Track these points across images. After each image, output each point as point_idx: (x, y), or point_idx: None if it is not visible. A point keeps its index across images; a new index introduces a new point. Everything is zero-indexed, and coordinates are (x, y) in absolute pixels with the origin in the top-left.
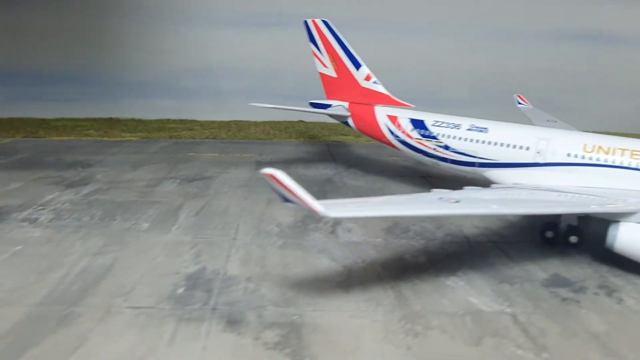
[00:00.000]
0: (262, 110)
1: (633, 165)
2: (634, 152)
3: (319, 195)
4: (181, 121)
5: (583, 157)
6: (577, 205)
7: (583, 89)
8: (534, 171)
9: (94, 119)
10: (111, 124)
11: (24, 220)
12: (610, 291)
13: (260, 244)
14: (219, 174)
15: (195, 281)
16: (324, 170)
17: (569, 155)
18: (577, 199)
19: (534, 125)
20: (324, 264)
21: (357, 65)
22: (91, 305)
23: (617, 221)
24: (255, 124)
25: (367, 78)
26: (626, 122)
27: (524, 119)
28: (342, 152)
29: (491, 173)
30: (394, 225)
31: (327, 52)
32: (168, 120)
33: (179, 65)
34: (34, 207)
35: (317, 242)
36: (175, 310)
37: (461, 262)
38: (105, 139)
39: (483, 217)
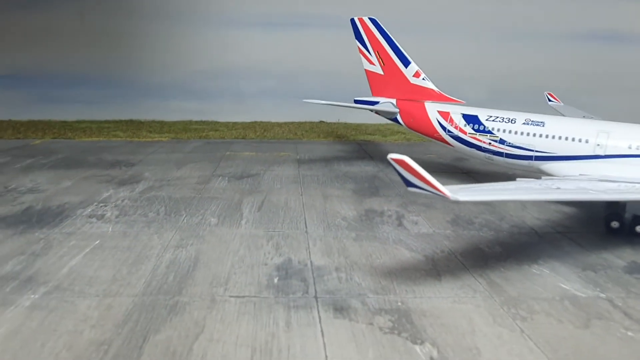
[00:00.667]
0: (283, 111)
1: None
2: None
3: (372, 190)
4: (204, 122)
5: None
6: None
7: (601, 88)
8: (594, 163)
9: (116, 121)
10: (135, 126)
11: (90, 216)
12: None
13: (335, 236)
14: (264, 171)
15: (286, 271)
16: (366, 167)
17: (630, 147)
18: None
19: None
20: (405, 254)
21: (406, 63)
22: (195, 295)
23: None
24: (279, 124)
25: (417, 75)
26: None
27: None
28: (376, 150)
29: (549, 166)
30: (457, 218)
31: (374, 49)
32: (190, 121)
33: (199, 67)
34: (95, 203)
35: (389, 234)
36: (279, 299)
37: (537, 251)
38: (136, 139)
39: (547, 208)
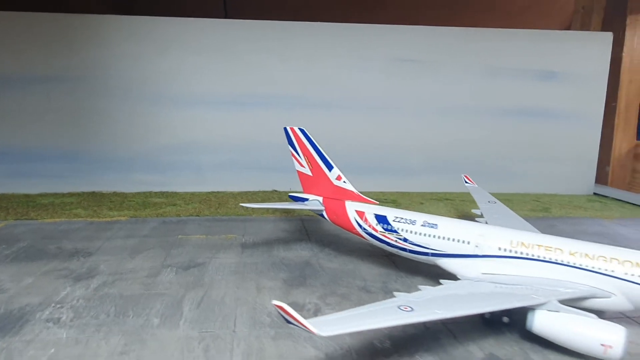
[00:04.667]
0: (238, 181)
1: (545, 258)
2: (547, 247)
3: (301, 280)
4: (163, 194)
5: (510, 251)
6: (502, 302)
7: (524, 156)
8: (474, 261)
9: (79, 194)
10: (97, 200)
11: (47, 320)
12: None
13: (257, 335)
14: (210, 260)
15: None
16: (302, 252)
17: (499, 249)
18: (504, 293)
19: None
20: (311, 353)
21: (330, 167)
22: None
23: (533, 309)
24: (233, 195)
25: (338, 178)
26: (561, 184)
27: (469, 196)
28: (315, 229)
29: (441, 261)
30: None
31: (304, 154)
32: (150, 193)
33: (161, 143)
34: (53, 305)
35: (299, 331)
36: None
37: (418, 344)
38: (95, 219)
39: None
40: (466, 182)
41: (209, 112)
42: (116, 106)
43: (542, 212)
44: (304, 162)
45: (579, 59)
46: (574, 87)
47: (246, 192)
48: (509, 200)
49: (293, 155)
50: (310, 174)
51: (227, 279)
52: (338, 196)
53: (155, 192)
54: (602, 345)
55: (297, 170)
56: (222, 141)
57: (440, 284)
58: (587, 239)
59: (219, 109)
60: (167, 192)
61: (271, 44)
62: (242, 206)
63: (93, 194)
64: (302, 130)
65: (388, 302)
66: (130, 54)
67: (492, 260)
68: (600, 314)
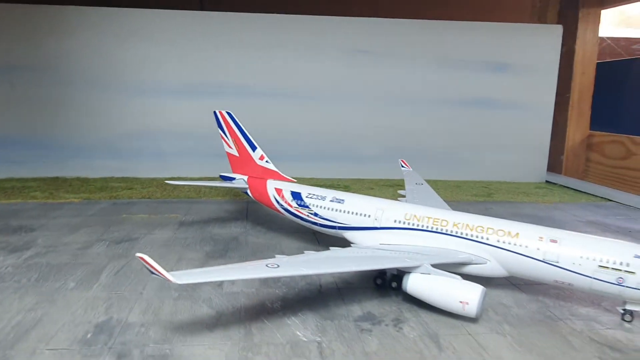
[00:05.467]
0: (197, 166)
1: (433, 229)
2: (435, 219)
3: (222, 252)
4: (124, 179)
5: (404, 223)
6: (375, 264)
7: (478, 145)
8: (373, 233)
9: (42, 179)
10: (57, 184)
11: None
12: (398, 322)
13: (161, 297)
14: (145, 235)
15: (101, 328)
16: (234, 229)
17: (395, 221)
18: (382, 257)
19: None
20: (203, 310)
21: (253, 148)
22: (21, 349)
23: (409, 272)
24: (192, 179)
25: (261, 158)
26: (514, 172)
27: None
28: (255, 210)
29: (347, 234)
30: (270, 278)
31: (231, 136)
32: (112, 178)
33: (123, 130)
34: None
35: (204, 293)
36: (82, 350)
37: (306, 305)
38: (50, 201)
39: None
40: (402, 167)
41: (169, 100)
42: (80, 94)
43: (485, 196)
44: (231, 144)
45: (530, 51)
46: (525, 78)
47: (204, 178)
48: (459, 186)
49: (222, 137)
50: (237, 154)
51: (154, 252)
52: (261, 175)
53: (117, 178)
54: (460, 302)
55: (226, 152)
56: (182, 129)
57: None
58: (514, 220)
59: (179, 97)
60: (128, 177)
61: (228, 34)
62: (168, 183)
63: (56, 179)
64: (229, 114)
65: (262, 260)
66: (93, 44)
67: (389, 232)
68: (489, 280)
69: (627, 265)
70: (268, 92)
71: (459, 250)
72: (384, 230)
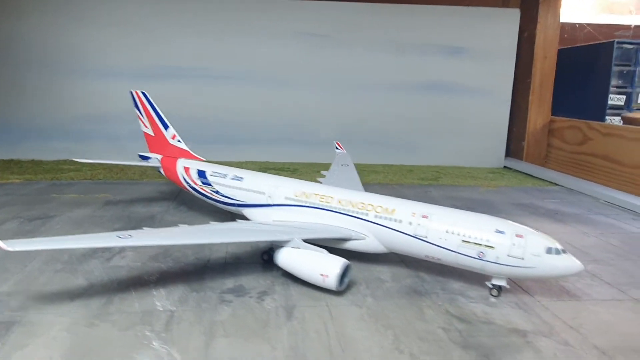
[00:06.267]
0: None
1: (319, 205)
2: (322, 196)
3: (130, 229)
4: (74, 162)
5: (294, 200)
6: (245, 237)
7: (435, 130)
8: (267, 210)
9: None
10: (9, 166)
11: None
12: (263, 294)
13: (43, 269)
14: (62, 213)
15: None
16: (156, 208)
17: (286, 198)
18: (255, 230)
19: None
20: (78, 282)
21: (166, 127)
22: None
23: (282, 246)
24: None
25: (173, 137)
26: (472, 158)
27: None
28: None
29: (245, 211)
30: (163, 253)
31: (146, 115)
32: (65, 161)
33: (78, 112)
34: None
35: (89, 266)
36: None
37: (183, 278)
38: None
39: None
40: (337, 149)
41: (123, 83)
42: (34, 77)
43: (431, 180)
44: (147, 123)
45: (488, 35)
46: (483, 63)
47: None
48: (412, 171)
49: (139, 117)
50: (152, 134)
51: (62, 228)
52: (173, 154)
53: (71, 161)
54: (321, 275)
55: (143, 132)
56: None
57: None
58: (449, 203)
59: (133, 80)
60: (82, 161)
61: (182, 17)
62: (76, 161)
63: (10, 161)
64: (144, 94)
65: (117, 232)
66: (47, 26)
67: (280, 209)
68: (384, 256)
69: (488, 240)
70: (223, 76)
71: (340, 226)
72: (276, 207)
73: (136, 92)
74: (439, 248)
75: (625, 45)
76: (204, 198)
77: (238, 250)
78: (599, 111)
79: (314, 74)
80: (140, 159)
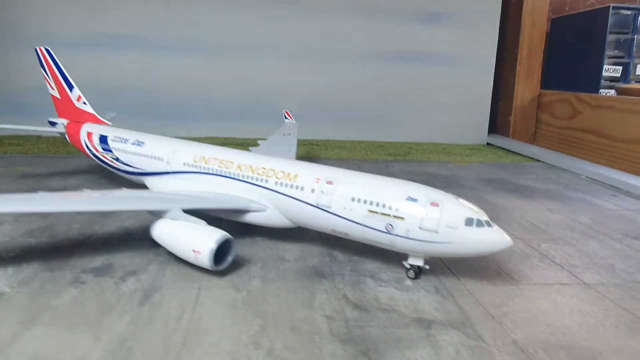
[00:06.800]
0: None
1: (218, 172)
2: (222, 161)
3: None
4: (23, 137)
5: (192, 166)
6: (121, 205)
7: (409, 103)
8: (166, 178)
9: None
10: None
11: None
12: (128, 275)
13: None
14: None
15: None
16: (73, 182)
17: (184, 164)
18: (136, 197)
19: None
20: None
21: (70, 87)
22: None
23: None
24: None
25: (78, 99)
26: (453, 134)
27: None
28: None
29: (146, 180)
30: (45, 227)
31: (51, 75)
32: (13, 136)
33: (25, 85)
34: None
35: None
36: None
37: (42, 256)
38: None
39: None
40: (286, 118)
41: (74, 53)
42: None
43: (399, 156)
44: (53, 84)
45: (468, 0)
46: (463, 29)
47: None
48: (382, 147)
49: (45, 78)
50: (58, 96)
51: None
52: (79, 119)
53: (18, 135)
54: (193, 251)
55: (51, 94)
56: (84, 83)
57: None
58: (405, 178)
59: (81, 50)
60: (32, 136)
61: None
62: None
63: None
64: (47, 51)
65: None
66: None
67: (178, 177)
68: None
69: (397, 209)
70: (179, 46)
71: (239, 195)
72: (174, 175)
73: (40, 50)
74: (344, 220)
75: (622, 11)
76: (105, 165)
77: (134, 224)
78: (592, 83)
79: (277, 42)
80: (50, 125)
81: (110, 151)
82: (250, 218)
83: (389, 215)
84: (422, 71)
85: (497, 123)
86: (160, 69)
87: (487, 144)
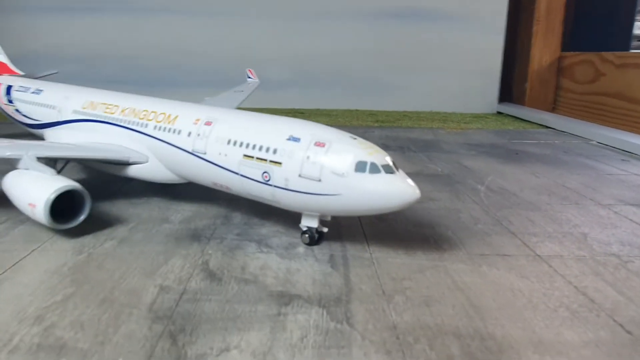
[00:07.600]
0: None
1: (105, 119)
2: (108, 106)
3: None
4: None
5: (81, 114)
6: None
7: (409, 68)
8: (58, 129)
9: None
10: None
11: None
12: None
13: None
14: None
15: None
16: None
17: (74, 111)
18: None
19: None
20: None
21: None
22: None
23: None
24: None
25: None
26: (452, 101)
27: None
28: None
29: (45, 134)
30: None
31: None
32: None
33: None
34: None
35: None
36: None
37: None
38: None
39: None
40: (249, 77)
41: (43, 18)
42: None
43: (389, 123)
44: None
45: None
46: None
47: None
48: (374, 114)
49: None
50: None
51: None
52: None
53: None
54: (29, 204)
55: None
56: (54, 51)
57: None
58: (379, 143)
59: (56, 15)
60: None
61: None
62: None
63: None
64: None
65: None
66: None
67: (67, 127)
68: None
69: (275, 151)
70: (153, 7)
71: (121, 144)
72: (64, 125)
73: None
74: (220, 169)
75: None
76: (12, 120)
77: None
78: (621, 42)
79: (263, 3)
80: None
81: (12, 102)
82: (132, 172)
83: (265, 160)
84: (423, 31)
85: (513, 90)
86: (138, 34)
87: (498, 112)
